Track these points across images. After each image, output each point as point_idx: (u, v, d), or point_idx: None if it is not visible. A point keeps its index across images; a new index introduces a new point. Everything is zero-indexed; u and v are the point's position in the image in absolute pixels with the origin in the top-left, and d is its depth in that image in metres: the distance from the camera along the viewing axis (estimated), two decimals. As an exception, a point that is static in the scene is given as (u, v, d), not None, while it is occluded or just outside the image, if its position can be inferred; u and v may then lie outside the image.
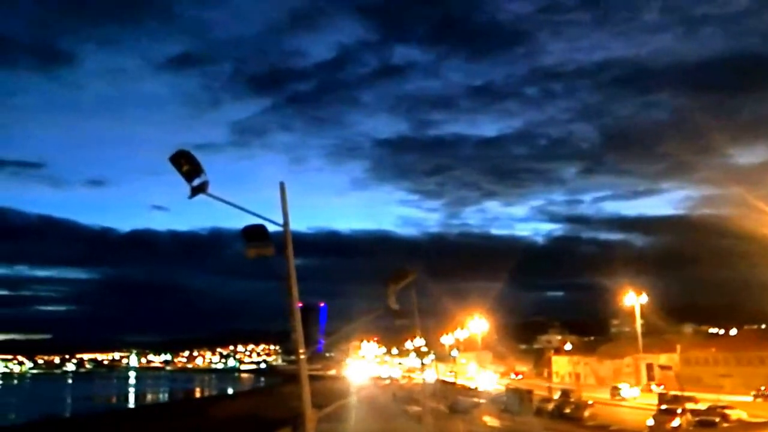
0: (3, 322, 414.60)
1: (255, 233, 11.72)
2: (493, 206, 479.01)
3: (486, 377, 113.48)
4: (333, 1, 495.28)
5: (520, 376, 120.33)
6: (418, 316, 45.18)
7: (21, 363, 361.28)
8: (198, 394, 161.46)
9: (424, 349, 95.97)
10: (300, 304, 12.38)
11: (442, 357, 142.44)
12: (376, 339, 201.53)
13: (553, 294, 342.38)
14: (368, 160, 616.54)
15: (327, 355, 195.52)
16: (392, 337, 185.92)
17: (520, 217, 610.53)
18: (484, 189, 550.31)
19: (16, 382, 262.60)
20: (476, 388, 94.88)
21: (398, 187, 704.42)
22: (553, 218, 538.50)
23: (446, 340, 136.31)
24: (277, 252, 11.90)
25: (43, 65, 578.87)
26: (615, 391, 72.93)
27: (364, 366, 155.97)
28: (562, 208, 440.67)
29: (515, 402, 61.15)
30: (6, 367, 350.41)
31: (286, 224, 11.96)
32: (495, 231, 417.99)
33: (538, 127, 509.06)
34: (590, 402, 58.56)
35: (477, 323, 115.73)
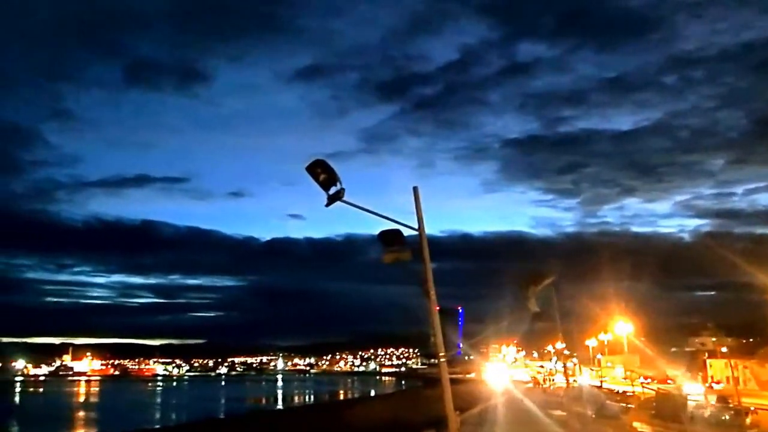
0: (162, 327, 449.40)
1: (392, 238, 11.77)
2: (632, 203, 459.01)
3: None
4: (453, 1, 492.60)
5: (670, 382, 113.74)
6: (559, 318, 43.84)
7: (179, 366, 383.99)
8: (342, 397, 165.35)
9: (566, 352, 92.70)
10: (438, 308, 12.32)
11: (586, 360, 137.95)
12: (515, 342, 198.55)
13: (703, 294, 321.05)
14: (498, 161, 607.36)
15: (466, 358, 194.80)
16: (532, 340, 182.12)
17: (662, 214, 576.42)
18: (622, 185, 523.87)
19: (175, 384, 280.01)
20: (624, 392, 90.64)
21: (531, 187, 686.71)
22: (700, 213, 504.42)
23: (590, 342, 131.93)
24: (412, 256, 11.90)
25: (183, 85, 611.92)
26: None
27: (504, 369, 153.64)
28: (710, 202, 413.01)
29: (667, 407, 58.03)
30: (165, 370, 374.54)
31: (421, 228, 11.95)
32: (636, 229, 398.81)
33: (679, 117, 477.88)
34: (752, 408, 54.59)
35: (621, 326, 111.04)
